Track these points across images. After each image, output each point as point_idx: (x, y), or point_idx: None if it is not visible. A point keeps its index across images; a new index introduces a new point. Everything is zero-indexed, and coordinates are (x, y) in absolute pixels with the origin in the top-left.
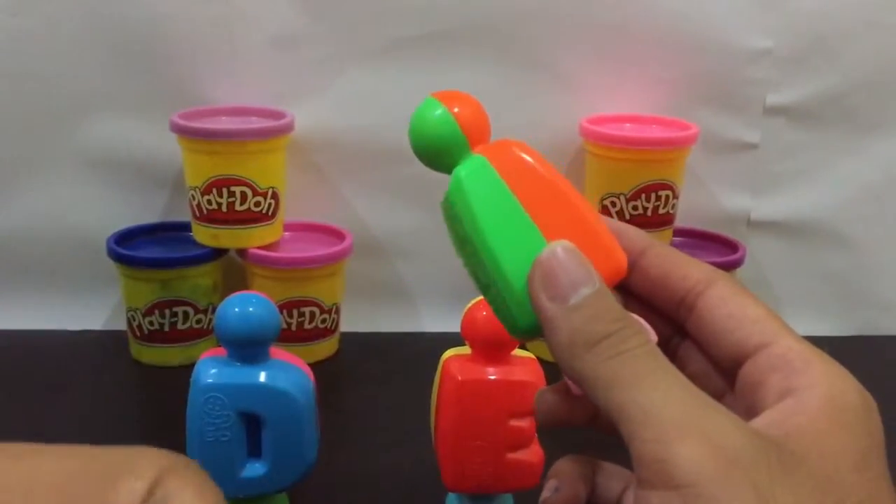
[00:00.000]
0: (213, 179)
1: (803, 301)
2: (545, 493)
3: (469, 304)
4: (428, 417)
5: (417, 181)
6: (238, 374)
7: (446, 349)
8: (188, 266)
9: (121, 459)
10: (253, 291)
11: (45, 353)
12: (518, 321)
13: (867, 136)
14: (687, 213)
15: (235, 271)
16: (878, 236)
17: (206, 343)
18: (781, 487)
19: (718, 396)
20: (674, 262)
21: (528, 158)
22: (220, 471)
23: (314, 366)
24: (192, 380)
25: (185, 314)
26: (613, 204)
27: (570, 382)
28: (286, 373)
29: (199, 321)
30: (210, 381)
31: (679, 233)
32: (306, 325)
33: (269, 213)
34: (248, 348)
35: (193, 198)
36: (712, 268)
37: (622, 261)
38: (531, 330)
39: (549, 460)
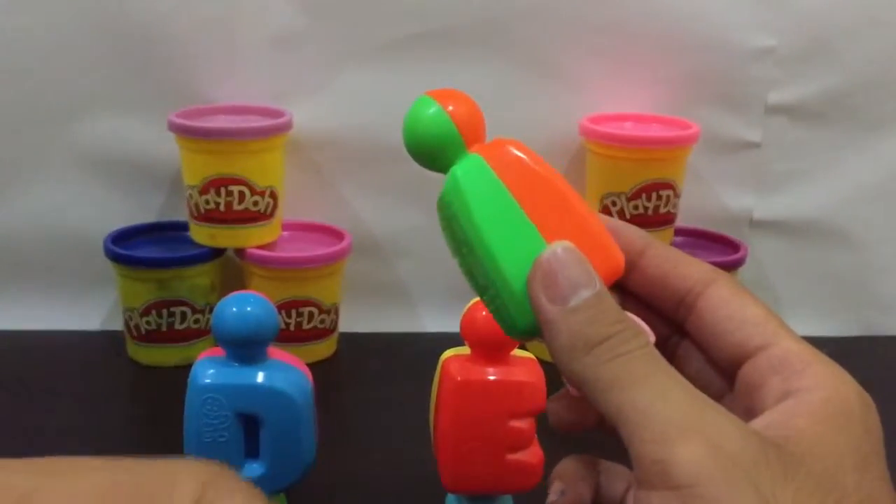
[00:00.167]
0: (210, 179)
1: (805, 301)
2: (551, 497)
3: (468, 305)
4: (427, 418)
5: (417, 181)
6: (236, 375)
7: (446, 349)
8: (186, 266)
9: (161, 472)
10: (251, 291)
11: (42, 353)
12: (516, 322)
13: (870, 135)
14: (688, 212)
15: (233, 271)
16: (880, 236)
17: (203, 343)
18: (782, 487)
19: (718, 397)
20: (674, 262)
21: (525, 157)
22: None
23: (313, 366)
24: (189, 380)
25: (183, 314)
26: (614, 203)
27: (568, 385)
28: (284, 373)
29: (196, 321)
30: (208, 381)
31: (680, 232)
32: (305, 326)
33: (268, 213)
34: (246, 348)
35: (191, 197)
36: (712, 267)
37: (619, 260)
38: (530, 331)
39: (549, 461)
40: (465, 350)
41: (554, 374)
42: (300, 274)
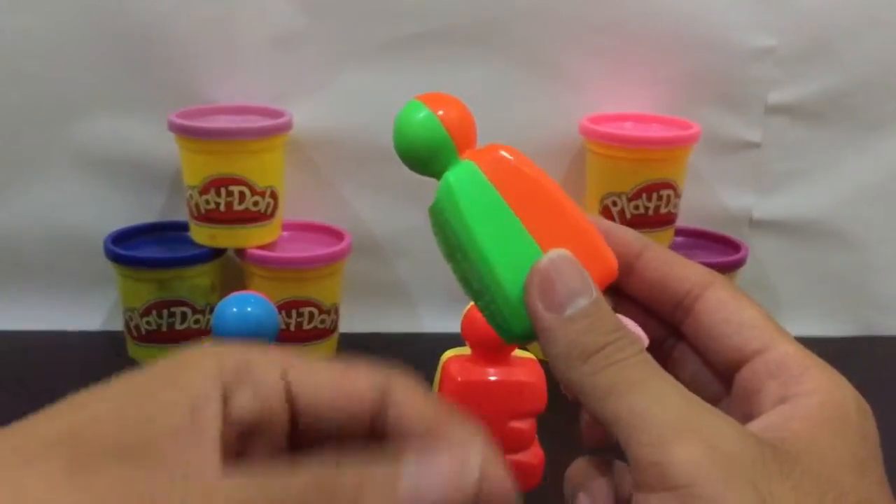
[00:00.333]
0: (211, 179)
1: (805, 301)
2: None
3: (469, 305)
4: None
5: (417, 181)
6: None
7: (446, 349)
8: (186, 266)
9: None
10: (251, 291)
11: (42, 353)
12: (511, 327)
13: (870, 134)
14: (689, 212)
15: (233, 271)
16: (880, 236)
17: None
18: (779, 486)
19: (714, 401)
20: (671, 265)
21: (518, 163)
22: None
23: None
24: None
25: (183, 314)
26: (615, 203)
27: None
28: None
29: (196, 321)
30: None
31: (681, 232)
32: (305, 326)
33: (268, 213)
34: None
35: (191, 197)
36: (708, 269)
37: (613, 264)
38: (525, 336)
39: (549, 461)
40: (465, 350)
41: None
42: (300, 274)
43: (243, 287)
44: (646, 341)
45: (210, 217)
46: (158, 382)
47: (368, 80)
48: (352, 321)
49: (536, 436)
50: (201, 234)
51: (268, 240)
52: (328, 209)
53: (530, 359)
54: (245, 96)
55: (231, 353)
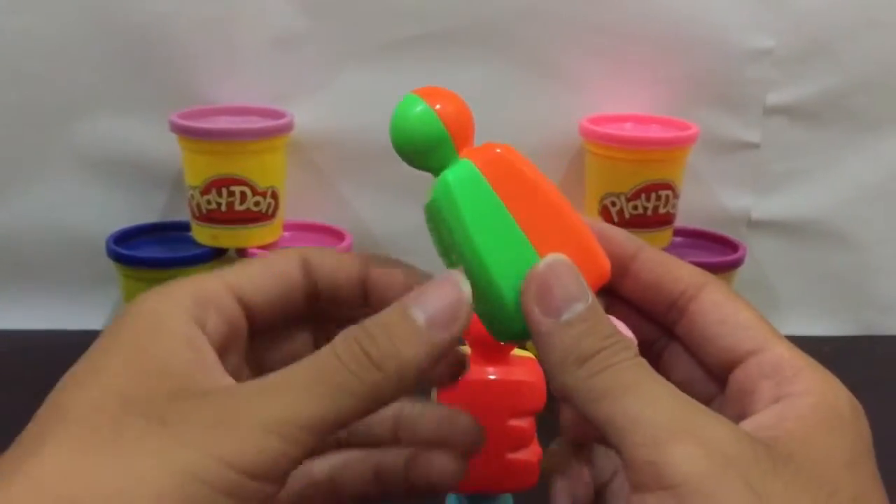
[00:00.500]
0: (212, 179)
1: (804, 301)
2: None
3: None
4: None
5: (417, 181)
6: None
7: None
8: (187, 266)
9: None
10: None
11: (43, 353)
12: (506, 328)
13: (868, 135)
14: (687, 212)
15: None
16: (879, 236)
17: None
18: (773, 483)
19: (707, 401)
20: (665, 266)
21: (516, 163)
22: None
23: None
24: None
25: None
26: (613, 204)
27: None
28: None
29: None
30: None
31: (679, 232)
32: None
33: (269, 213)
34: None
35: (193, 197)
36: (702, 271)
37: (606, 266)
38: (519, 336)
39: None
40: (464, 349)
41: None
42: None
43: None
44: (634, 342)
45: (211, 217)
46: (149, 334)
47: (369, 80)
48: None
49: (536, 434)
50: (203, 235)
51: (269, 240)
52: (329, 209)
53: (529, 358)
54: (245, 97)
55: (186, 288)
